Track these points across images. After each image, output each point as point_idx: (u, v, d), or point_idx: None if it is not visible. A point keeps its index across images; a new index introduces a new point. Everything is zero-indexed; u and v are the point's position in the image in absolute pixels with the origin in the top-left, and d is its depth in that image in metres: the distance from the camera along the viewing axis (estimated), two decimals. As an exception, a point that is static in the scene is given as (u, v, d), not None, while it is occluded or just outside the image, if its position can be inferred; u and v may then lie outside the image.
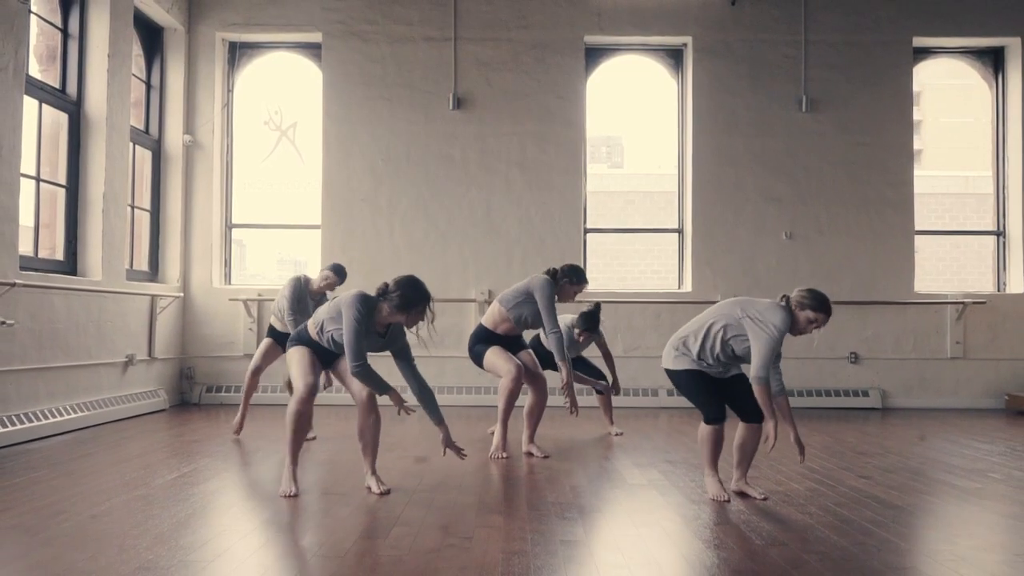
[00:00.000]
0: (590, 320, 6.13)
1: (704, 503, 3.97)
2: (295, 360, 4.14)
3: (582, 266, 6.97)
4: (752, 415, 4.03)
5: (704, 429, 4.07)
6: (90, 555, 3.01)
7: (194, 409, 7.92)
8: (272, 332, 6.00)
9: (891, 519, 3.70)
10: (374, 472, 4.15)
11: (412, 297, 3.98)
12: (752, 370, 3.84)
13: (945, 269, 20.33)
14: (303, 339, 4.21)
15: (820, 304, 3.90)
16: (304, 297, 5.80)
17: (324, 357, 4.23)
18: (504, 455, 5.16)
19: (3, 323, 5.40)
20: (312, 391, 4.05)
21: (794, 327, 3.94)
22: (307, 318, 5.66)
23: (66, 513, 3.63)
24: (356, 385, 4.11)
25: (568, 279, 5.35)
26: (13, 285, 5.47)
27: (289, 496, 3.99)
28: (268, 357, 6.00)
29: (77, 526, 3.42)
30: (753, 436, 4.08)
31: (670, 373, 4.11)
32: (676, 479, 4.55)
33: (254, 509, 3.95)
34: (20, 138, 5.77)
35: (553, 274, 5.30)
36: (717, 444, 4.06)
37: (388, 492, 4.06)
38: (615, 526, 3.65)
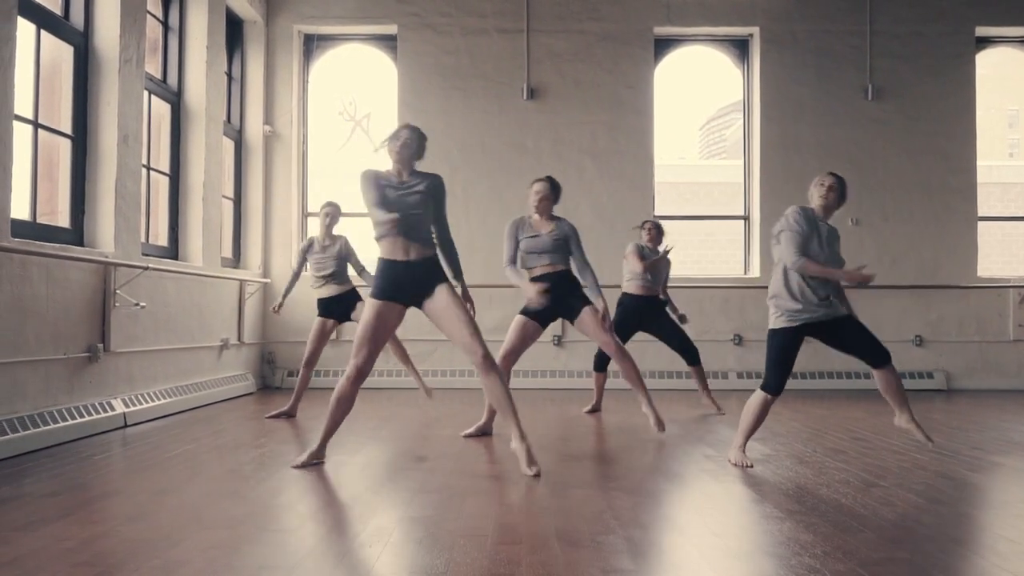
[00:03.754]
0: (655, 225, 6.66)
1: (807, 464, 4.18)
2: (364, 319, 4.08)
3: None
4: (878, 356, 4.22)
5: (757, 396, 4.17)
6: (279, 515, 3.23)
7: (277, 393, 8.13)
8: (319, 305, 6.19)
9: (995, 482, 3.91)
10: (523, 438, 3.99)
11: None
12: (787, 264, 4.09)
13: (998, 256, 20.50)
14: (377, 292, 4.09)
15: (828, 174, 4.38)
16: (312, 246, 6.18)
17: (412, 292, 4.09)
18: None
19: (137, 305, 5.62)
20: (360, 372, 4.02)
21: (817, 208, 4.31)
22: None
23: (251, 477, 3.85)
24: (471, 345, 3.98)
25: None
26: (145, 268, 5.69)
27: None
28: (321, 341, 6.17)
29: (269, 489, 3.64)
30: (891, 377, 4.28)
31: (769, 334, 4.20)
32: (778, 447, 4.76)
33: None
34: (142, 128, 5.98)
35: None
36: (761, 417, 4.20)
37: (538, 475, 3.90)
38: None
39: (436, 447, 4.87)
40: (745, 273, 8.97)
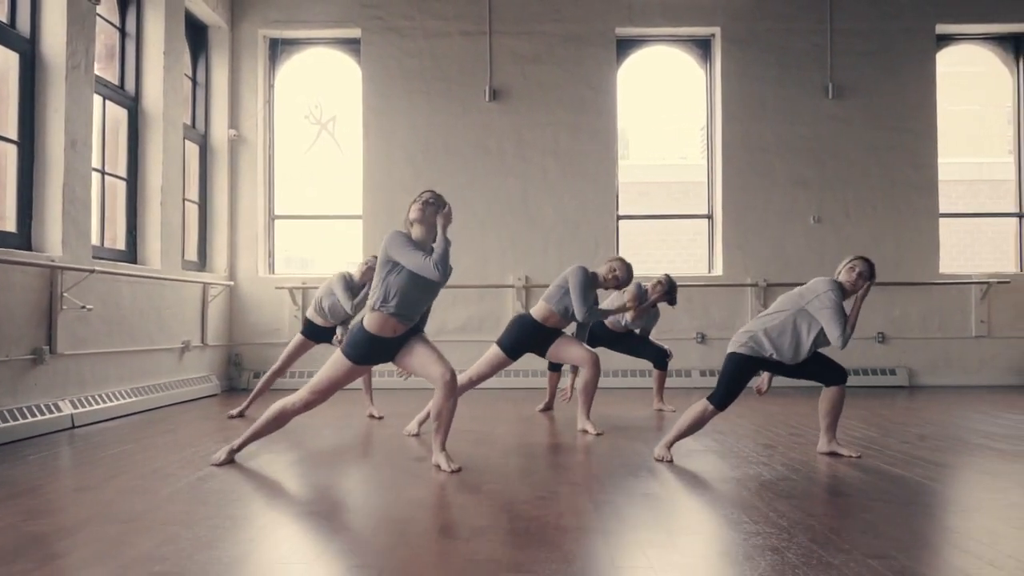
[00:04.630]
0: (669, 286, 6.37)
1: (756, 464, 4.23)
2: (333, 369, 4.11)
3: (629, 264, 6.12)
4: (834, 378, 4.36)
5: (701, 405, 4.29)
6: (186, 510, 3.29)
7: (243, 394, 8.18)
8: (309, 328, 6.18)
9: (940, 475, 3.95)
10: (443, 449, 4.11)
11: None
12: (834, 342, 4.16)
13: (959, 254, 20.49)
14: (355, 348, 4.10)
15: (861, 260, 4.34)
16: (355, 288, 6.00)
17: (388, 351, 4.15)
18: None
19: (83, 308, 5.69)
20: (309, 407, 4.14)
21: (846, 289, 4.30)
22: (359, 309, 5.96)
23: (173, 476, 3.91)
24: (436, 370, 4.05)
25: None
26: (91, 272, 5.76)
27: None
28: (295, 357, 6.22)
29: (185, 486, 3.70)
30: (837, 398, 4.40)
31: (731, 355, 4.30)
32: (730, 445, 4.81)
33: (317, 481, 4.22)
34: (91, 133, 6.06)
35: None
36: (699, 425, 4.33)
37: (459, 470, 4.01)
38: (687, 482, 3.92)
39: (368, 445, 4.92)
40: (709, 271, 9.01)
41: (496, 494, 3.53)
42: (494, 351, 5.44)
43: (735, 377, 4.24)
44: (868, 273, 4.33)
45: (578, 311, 5.31)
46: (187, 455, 4.51)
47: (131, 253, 7.09)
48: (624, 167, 9.86)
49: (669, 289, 6.36)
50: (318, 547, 2.79)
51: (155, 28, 7.23)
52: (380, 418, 6.05)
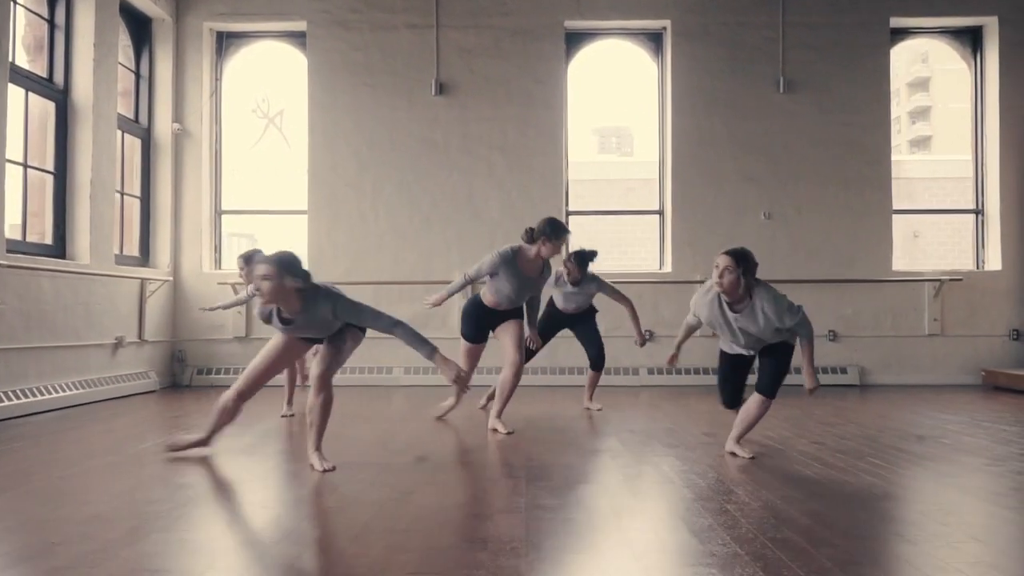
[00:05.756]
0: (579, 257, 6.20)
1: (650, 463, 4.12)
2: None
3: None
4: (767, 389, 4.24)
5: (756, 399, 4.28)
6: (52, 508, 3.20)
7: (185, 391, 8.12)
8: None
9: (820, 475, 3.84)
10: (318, 449, 3.99)
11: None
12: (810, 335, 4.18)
13: (947, 252, 20.35)
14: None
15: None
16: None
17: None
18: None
19: (-9, 303, 5.61)
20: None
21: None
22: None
23: (37, 474, 3.82)
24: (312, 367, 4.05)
25: (546, 236, 5.24)
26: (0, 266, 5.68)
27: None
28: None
29: (47, 485, 3.61)
30: (759, 411, 4.28)
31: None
32: (632, 446, 4.70)
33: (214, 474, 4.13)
34: (5, 125, 5.97)
35: (530, 233, 5.29)
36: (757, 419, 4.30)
37: (333, 469, 3.89)
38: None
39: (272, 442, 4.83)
40: (659, 268, 8.89)
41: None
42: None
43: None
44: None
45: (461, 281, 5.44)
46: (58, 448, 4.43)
47: (59, 248, 7.00)
48: (582, 164, 9.74)
49: (576, 260, 6.22)
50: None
51: (85, 20, 7.14)
52: (292, 415, 5.94)
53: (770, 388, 4.24)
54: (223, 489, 3.72)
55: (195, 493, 3.51)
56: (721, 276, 3.98)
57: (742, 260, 3.97)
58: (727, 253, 4.01)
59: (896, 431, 5.30)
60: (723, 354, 4.41)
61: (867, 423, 5.68)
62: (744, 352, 4.32)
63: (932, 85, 49.20)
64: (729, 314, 4.11)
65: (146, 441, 4.89)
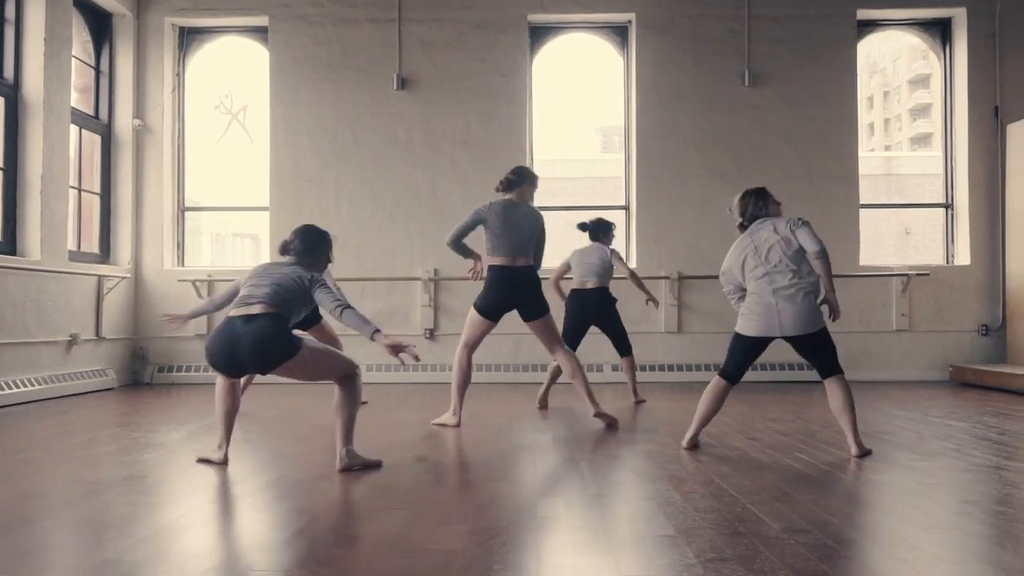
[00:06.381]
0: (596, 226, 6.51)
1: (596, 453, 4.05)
2: None
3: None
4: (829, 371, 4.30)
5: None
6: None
7: (145, 388, 8.06)
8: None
9: (737, 470, 3.76)
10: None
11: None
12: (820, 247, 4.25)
13: (939, 247, 20.18)
14: None
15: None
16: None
17: None
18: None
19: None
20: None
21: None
22: None
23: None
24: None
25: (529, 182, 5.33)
26: (-68, 262, 5.63)
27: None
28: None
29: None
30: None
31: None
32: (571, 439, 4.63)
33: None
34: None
35: (506, 184, 5.27)
36: (713, 399, 4.33)
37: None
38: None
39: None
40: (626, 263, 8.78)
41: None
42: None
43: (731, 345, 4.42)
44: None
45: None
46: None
47: (9, 244, 6.94)
48: (548, 161, 9.66)
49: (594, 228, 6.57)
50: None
51: (36, 15, 7.08)
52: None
53: (834, 367, 4.28)
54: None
55: (105, 492, 3.45)
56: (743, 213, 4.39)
57: (749, 192, 4.43)
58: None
59: (838, 428, 5.20)
60: (741, 339, 4.28)
61: (813, 419, 5.59)
62: (766, 333, 4.18)
63: (933, 82, 49.07)
64: (755, 237, 4.27)
65: (74, 437, 4.83)
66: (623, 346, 6.55)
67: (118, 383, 8.02)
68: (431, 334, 8.45)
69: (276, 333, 3.60)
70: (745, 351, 4.27)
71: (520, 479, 3.72)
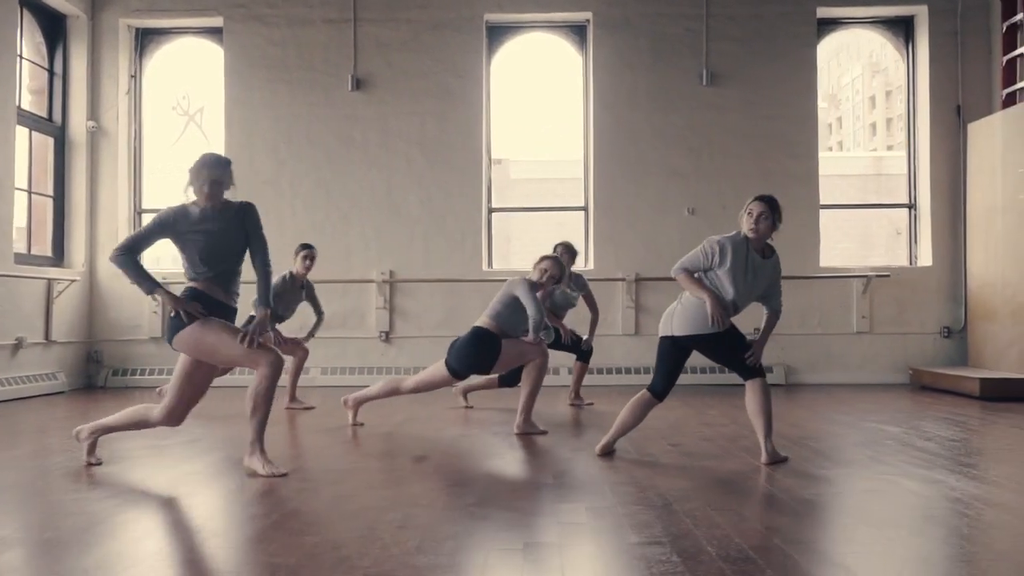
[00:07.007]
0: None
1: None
2: None
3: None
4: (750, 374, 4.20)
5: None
6: None
7: (99, 391, 8.01)
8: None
9: (646, 477, 3.68)
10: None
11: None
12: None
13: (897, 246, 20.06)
14: None
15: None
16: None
17: None
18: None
19: None
20: None
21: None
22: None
23: None
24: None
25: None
26: None
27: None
28: None
29: None
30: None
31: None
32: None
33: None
34: None
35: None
36: (635, 411, 4.17)
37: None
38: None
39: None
40: (584, 265, 8.70)
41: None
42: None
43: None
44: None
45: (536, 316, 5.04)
46: None
47: (-49, 247, 6.91)
48: (506, 161, 9.57)
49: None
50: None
51: (-23, 16, 7.05)
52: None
53: (753, 369, 4.18)
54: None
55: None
56: (757, 222, 3.97)
57: (776, 207, 4.02)
58: (761, 199, 4.01)
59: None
60: (669, 341, 4.14)
61: (747, 423, 5.50)
62: (696, 332, 4.07)
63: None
64: (754, 258, 4.04)
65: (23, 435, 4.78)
66: (583, 352, 6.65)
67: (69, 387, 7.97)
68: (386, 336, 8.37)
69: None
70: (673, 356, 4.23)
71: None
